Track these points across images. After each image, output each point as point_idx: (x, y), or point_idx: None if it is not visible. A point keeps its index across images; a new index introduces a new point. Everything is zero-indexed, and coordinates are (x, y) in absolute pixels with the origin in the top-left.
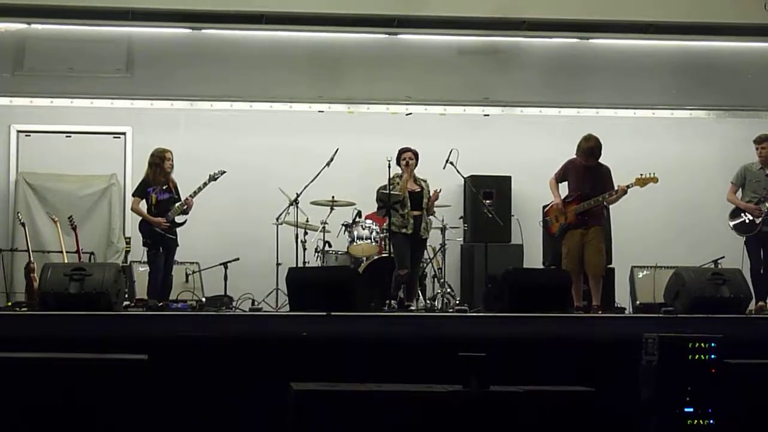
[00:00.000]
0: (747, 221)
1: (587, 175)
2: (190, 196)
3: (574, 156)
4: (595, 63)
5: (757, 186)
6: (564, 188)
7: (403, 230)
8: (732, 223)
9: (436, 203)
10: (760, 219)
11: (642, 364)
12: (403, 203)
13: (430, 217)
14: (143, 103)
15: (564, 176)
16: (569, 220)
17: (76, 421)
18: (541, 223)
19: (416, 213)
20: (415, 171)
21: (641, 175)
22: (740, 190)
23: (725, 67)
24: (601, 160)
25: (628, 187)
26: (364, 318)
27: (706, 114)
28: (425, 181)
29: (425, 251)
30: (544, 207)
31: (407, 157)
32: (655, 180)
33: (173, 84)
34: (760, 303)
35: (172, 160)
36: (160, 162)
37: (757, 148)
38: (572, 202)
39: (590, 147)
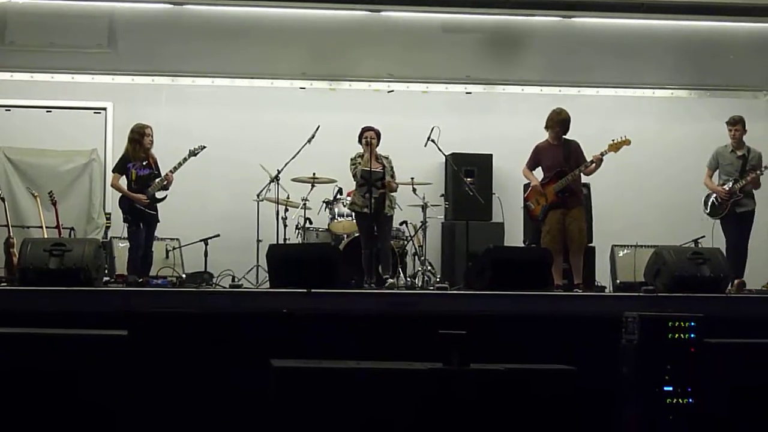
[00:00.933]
0: (716, 203)
1: (559, 153)
2: (170, 171)
3: (542, 140)
4: (577, 42)
5: (730, 168)
6: (539, 175)
7: (365, 209)
8: (704, 208)
9: (415, 182)
10: (730, 201)
11: (622, 343)
12: (361, 185)
13: (394, 194)
14: (124, 78)
15: (536, 162)
16: (550, 199)
17: (56, 397)
18: (522, 208)
19: (375, 195)
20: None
21: (613, 140)
22: (716, 173)
23: (707, 47)
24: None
25: (602, 154)
26: (344, 295)
27: (688, 93)
28: (387, 158)
29: (406, 228)
30: (526, 185)
31: (369, 136)
32: (627, 142)
33: (155, 59)
34: (737, 280)
35: (152, 136)
36: (139, 138)
37: (730, 130)
38: (550, 182)
39: (563, 119)
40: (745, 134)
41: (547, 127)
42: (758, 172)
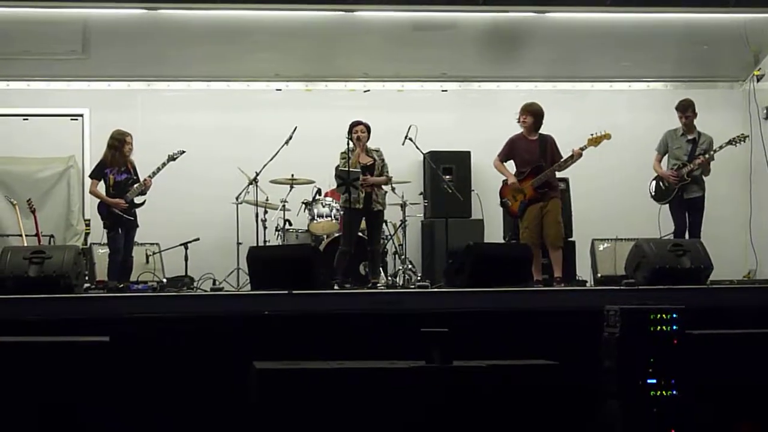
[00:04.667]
0: (663, 188)
1: (535, 148)
2: (149, 176)
3: (517, 133)
4: (552, 37)
5: (679, 152)
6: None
7: (356, 205)
8: (650, 193)
9: (394, 181)
10: (677, 185)
11: (604, 336)
12: (340, 184)
13: (386, 188)
14: (100, 84)
15: (510, 154)
16: (529, 195)
17: (38, 404)
18: (500, 205)
19: (355, 194)
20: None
21: (592, 134)
22: (666, 158)
23: (681, 39)
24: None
25: (582, 149)
26: (325, 295)
27: (664, 85)
28: (377, 152)
29: (386, 227)
30: (505, 182)
31: (358, 131)
32: (607, 137)
33: (130, 65)
34: None
35: (132, 144)
36: (119, 145)
37: (680, 117)
38: (527, 177)
39: (534, 110)
40: (696, 118)
41: (518, 120)
42: (707, 156)
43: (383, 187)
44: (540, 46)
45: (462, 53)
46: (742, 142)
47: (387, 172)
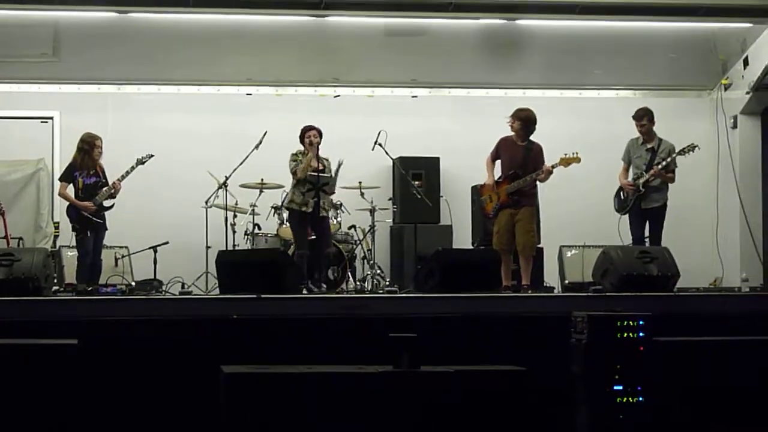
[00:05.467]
0: (622, 198)
1: (519, 154)
2: (118, 179)
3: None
4: (522, 44)
5: (639, 161)
6: (498, 169)
7: (303, 208)
8: (613, 202)
9: (363, 186)
10: (634, 195)
11: (571, 343)
12: (303, 181)
13: (332, 197)
14: (70, 87)
15: (497, 155)
16: (502, 199)
17: (6, 407)
18: (476, 202)
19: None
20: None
21: (565, 155)
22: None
23: (651, 48)
24: (532, 139)
25: (553, 167)
26: (294, 300)
27: (632, 93)
28: (327, 160)
29: (354, 232)
30: (473, 188)
31: (311, 135)
32: (577, 160)
33: (100, 68)
34: None
35: (102, 148)
36: (89, 149)
37: (636, 125)
38: (503, 182)
39: (527, 115)
40: (654, 126)
41: (512, 121)
42: (658, 167)
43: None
44: (510, 54)
45: (432, 60)
46: (691, 152)
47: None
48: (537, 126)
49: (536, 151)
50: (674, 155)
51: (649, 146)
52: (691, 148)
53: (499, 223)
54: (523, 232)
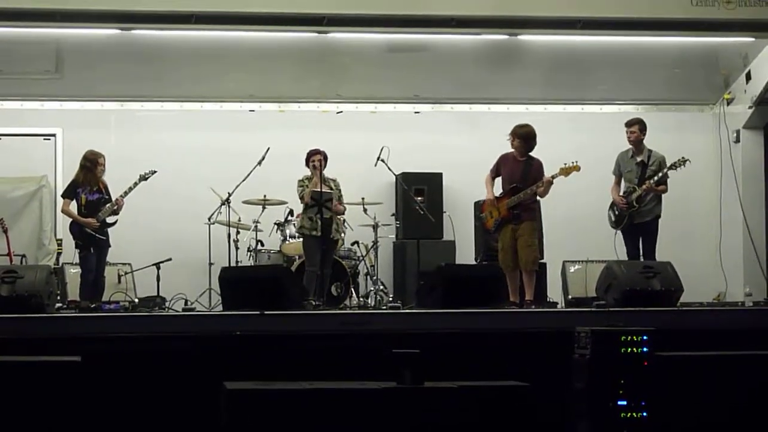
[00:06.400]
0: (616, 213)
1: (519, 169)
2: (121, 196)
3: (507, 151)
4: (524, 60)
5: (630, 175)
6: (498, 186)
7: (313, 233)
8: (608, 219)
9: (366, 202)
10: (627, 212)
11: (574, 358)
12: (311, 206)
13: (342, 218)
14: (73, 104)
15: (497, 171)
16: (502, 214)
17: (10, 424)
18: (477, 219)
19: (326, 215)
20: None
21: (564, 164)
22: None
23: (653, 62)
24: (532, 155)
25: (553, 177)
26: (297, 316)
27: (635, 108)
28: (334, 181)
29: (357, 248)
30: (476, 204)
31: (316, 160)
32: (577, 168)
33: (103, 84)
34: None
35: (105, 165)
36: (92, 166)
37: (626, 132)
38: (504, 197)
39: (527, 132)
40: (644, 137)
41: (512, 139)
42: (650, 182)
43: (340, 216)
44: (513, 69)
45: (435, 75)
46: (682, 166)
47: (343, 202)
48: (539, 141)
49: (536, 166)
50: (665, 170)
51: (639, 159)
52: (682, 162)
53: (503, 240)
54: (524, 246)
